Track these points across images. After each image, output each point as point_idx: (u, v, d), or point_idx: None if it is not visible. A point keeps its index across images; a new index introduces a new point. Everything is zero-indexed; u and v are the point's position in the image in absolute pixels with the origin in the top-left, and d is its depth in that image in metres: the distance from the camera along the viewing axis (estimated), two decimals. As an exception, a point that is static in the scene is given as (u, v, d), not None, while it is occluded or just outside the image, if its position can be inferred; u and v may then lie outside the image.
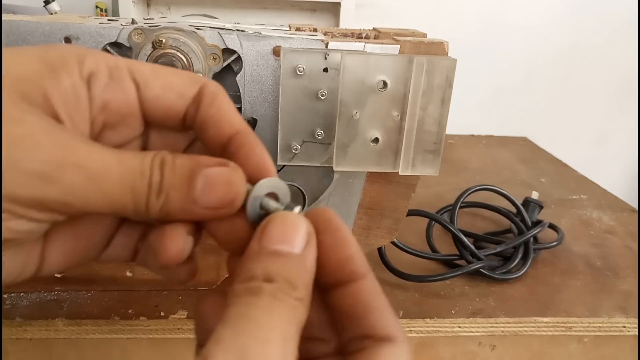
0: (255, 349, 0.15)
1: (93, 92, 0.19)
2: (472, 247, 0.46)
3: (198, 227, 0.21)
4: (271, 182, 0.20)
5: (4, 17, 0.32)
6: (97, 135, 0.20)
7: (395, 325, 0.19)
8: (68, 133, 0.18)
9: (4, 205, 0.16)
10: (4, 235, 0.17)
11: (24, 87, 0.17)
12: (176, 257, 0.20)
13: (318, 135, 0.36)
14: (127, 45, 0.33)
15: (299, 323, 0.17)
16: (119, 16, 0.56)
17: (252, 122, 0.36)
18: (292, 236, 0.18)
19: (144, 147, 0.23)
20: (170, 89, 0.21)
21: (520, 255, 0.48)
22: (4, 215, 0.16)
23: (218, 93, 0.21)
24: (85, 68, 0.19)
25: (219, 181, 0.19)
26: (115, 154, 0.18)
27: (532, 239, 0.50)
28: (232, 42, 0.34)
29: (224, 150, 0.21)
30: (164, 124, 0.21)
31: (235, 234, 0.20)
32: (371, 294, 0.19)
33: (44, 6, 0.53)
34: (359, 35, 0.40)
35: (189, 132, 0.23)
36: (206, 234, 0.21)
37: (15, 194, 0.16)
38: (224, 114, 0.21)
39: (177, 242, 0.20)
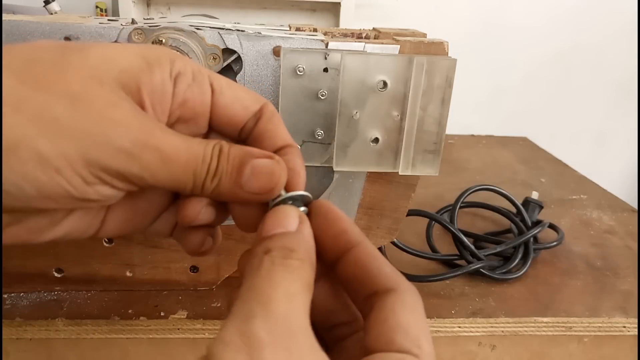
0: (259, 310, 0.16)
1: (177, 89, 0.23)
2: (472, 247, 0.46)
3: (224, 207, 0.24)
4: (304, 197, 0.23)
5: (4, 17, 0.32)
6: (170, 126, 0.23)
7: (394, 277, 0.21)
8: (151, 120, 0.21)
9: (96, 172, 0.19)
10: (92, 196, 0.20)
11: (124, 78, 0.21)
12: (190, 217, 0.23)
13: (318, 135, 0.36)
14: (127, 45, 0.33)
15: (304, 281, 0.18)
16: (119, 16, 0.56)
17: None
18: (285, 221, 0.21)
19: None
20: (238, 100, 0.24)
21: (520, 255, 0.48)
22: (94, 179, 0.19)
23: (275, 112, 0.25)
24: (175, 68, 0.22)
25: (263, 171, 0.21)
26: (186, 141, 0.21)
27: (532, 239, 0.50)
28: (232, 42, 0.34)
29: None
30: (224, 129, 0.24)
31: (250, 218, 0.23)
32: (367, 255, 0.21)
33: (44, 6, 0.53)
34: (359, 35, 0.40)
35: (240, 142, 0.25)
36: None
37: (106, 164, 0.19)
38: (280, 129, 0.24)
39: (194, 206, 0.23)
